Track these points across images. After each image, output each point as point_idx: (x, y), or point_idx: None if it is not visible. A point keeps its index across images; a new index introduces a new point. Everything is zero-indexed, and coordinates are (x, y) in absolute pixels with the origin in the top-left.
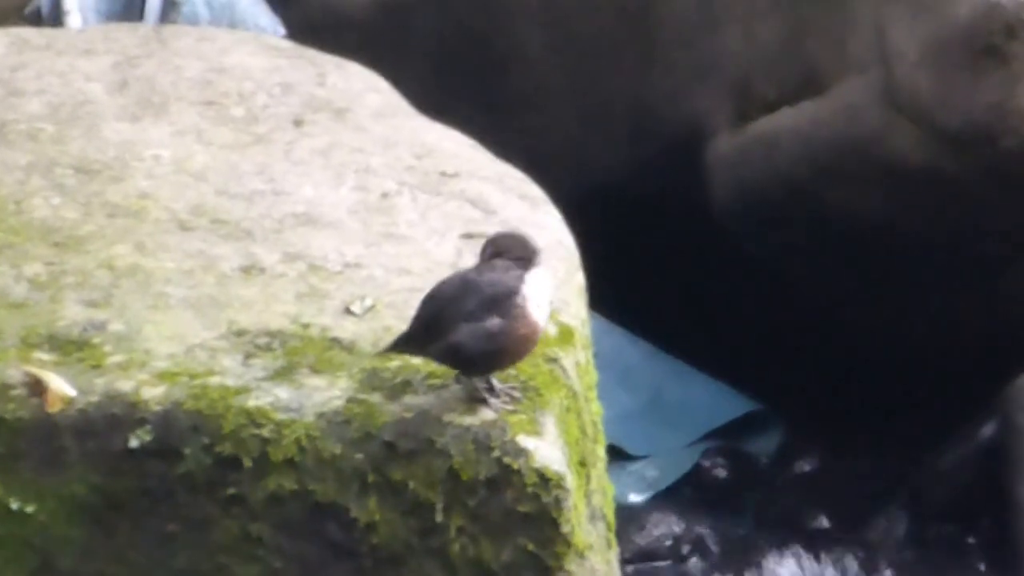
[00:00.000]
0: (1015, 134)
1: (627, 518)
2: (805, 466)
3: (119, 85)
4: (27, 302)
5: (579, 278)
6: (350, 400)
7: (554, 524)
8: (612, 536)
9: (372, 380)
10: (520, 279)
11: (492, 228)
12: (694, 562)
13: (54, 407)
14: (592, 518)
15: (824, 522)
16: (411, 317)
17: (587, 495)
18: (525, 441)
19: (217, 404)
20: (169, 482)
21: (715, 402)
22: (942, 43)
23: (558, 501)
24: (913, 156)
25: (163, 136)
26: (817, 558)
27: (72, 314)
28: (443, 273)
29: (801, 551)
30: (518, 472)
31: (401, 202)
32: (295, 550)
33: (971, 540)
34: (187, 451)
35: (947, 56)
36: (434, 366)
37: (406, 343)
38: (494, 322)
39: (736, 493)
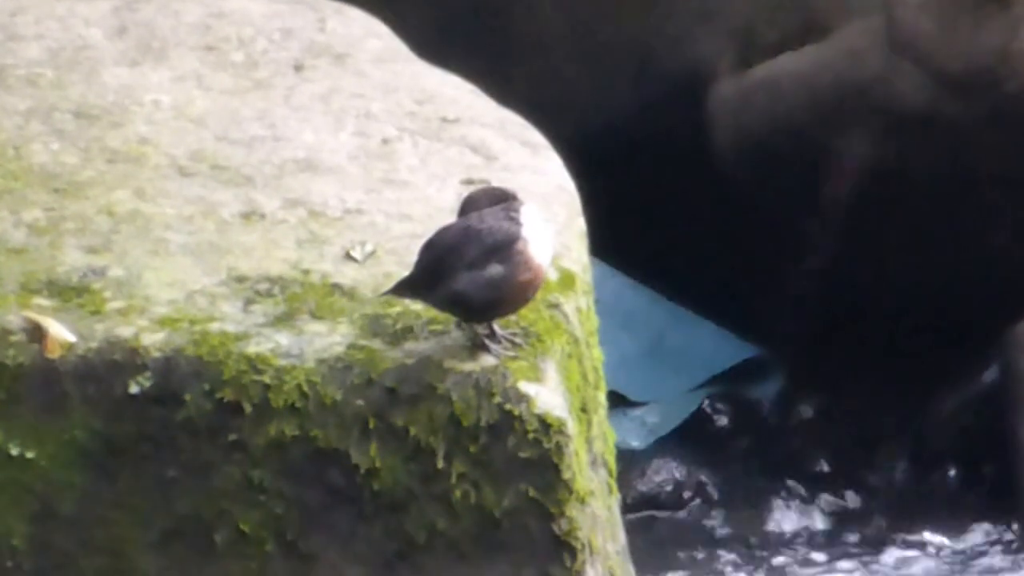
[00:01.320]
0: (1017, 77)
1: (628, 464)
2: (806, 411)
3: (118, 30)
4: (26, 248)
5: (580, 223)
6: (351, 346)
7: (555, 470)
8: (613, 482)
9: (373, 326)
10: (519, 224)
11: (493, 174)
12: (695, 508)
13: (53, 353)
14: (593, 464)
15: (825, 467)
16: (412, 263)
17: (588, 441)
18: (526, 387)
19: (218, 350)
20: (170, 428)
21: (716, 348)
22: None
23: (559, 447)
24: (915, 100)
25: (163, 81)
26: (818, 503)
27: (72, 260)
28: (444, 219)
29: (802, 496)
30: (519, 418)
31: (402, 148)
32: (296, 496)
33: (972, 484)
34: (188, 397)
35: (949, 0)
36: (435, 312)
37: (407, 288)
38: (495, 269)
39: (737, 439)
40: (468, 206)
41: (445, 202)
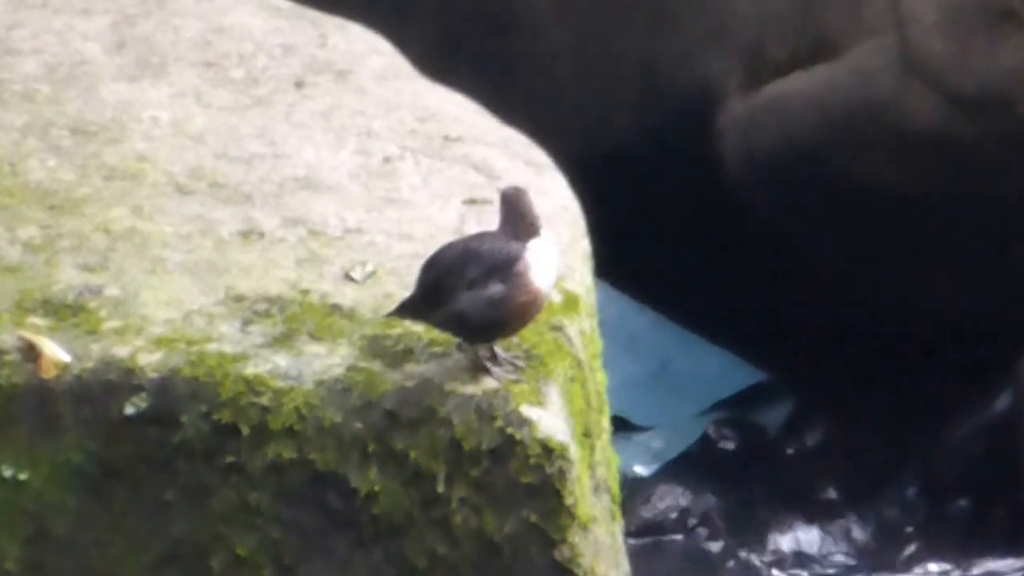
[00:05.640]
0: None
1: (632, 490)
2: (814, 438)
3: (117, 45)
4: (21, 265)
5: (584, 244)
6: (350, 368)
7: (557, 496)
8: (616, 508)
9: (373, 347)
10: (522, 246)
11: (496, 194)
12: (701, 534)
13: (48, 373)
14: (596, 490)
15: (833, 494)
16: (413, 283)
17: (591, 466)
18: (528, 411)
19: (215, 371)
20: (166, 450)
21: (723, 372)
22: (958, 6)
23: (562, 472)
24: (928, 121)
25: (161, 97)
26: (826, 530)
27: (67, 278)
28: (445, 239)
29: (809, 523)
30: (521, 442)
31: (403, 166)
32: (294, 519)
33: (984, 513)
34: (185, 419)
35: (963, 19)
36: (436, 333)
37: (409, 309)
38: (496, 289)
39: (744, 465)
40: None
41: (447, 221)
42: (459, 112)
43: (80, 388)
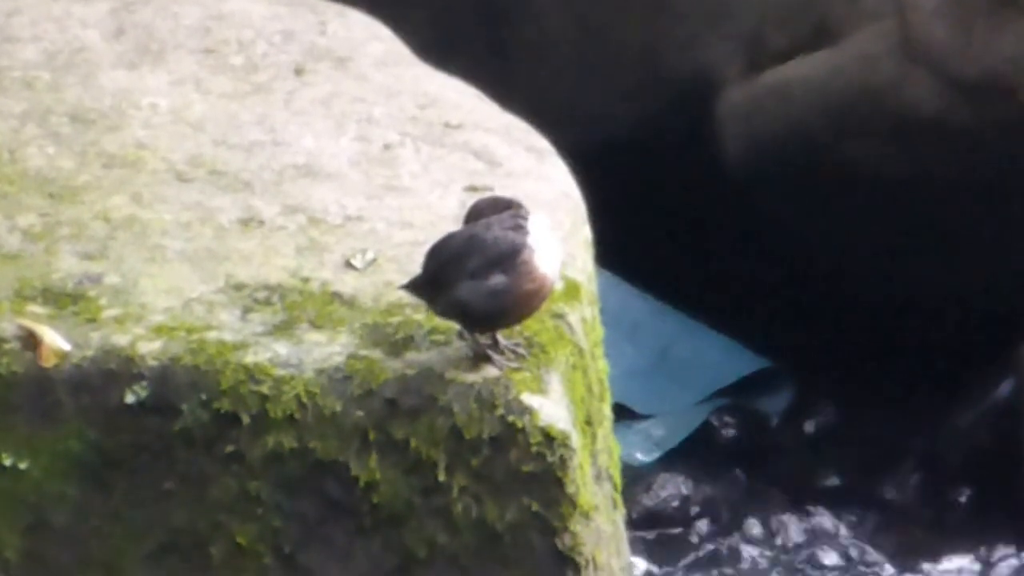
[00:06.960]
0: None
1: (633, 478)
2: (816, 425)
3: (116, 32)
4: (21, 254)
5: (585, 232)
6: (351, 356)
7: (559, 484)
8: (618, 496)
9: (373, 335)
10: (525, 233)
11: (496, 180)
12: (702, 523)
13: (48, 361)
14: (598, 478)
15: (835, 482)
16: (413, 272)
17: (593, 454)
18: (530, 399)
19: (215, 359)
20: (166, 439)
21: (724, 359)
22: None
23: (563, 460)
24: (929, 107)
25: (161, 84)
26: (828, 518)
27: (67, 266)
28: (446, 227)
29: (812, 511)
30: (522, 431)
31: (404, 153)
32: (294, 508)
33: (986, 500)
34: (185, 407)
35: (964, 5)
36: (437, 321)
37: (415, 290)
38: (498, 279)
39: (746, 452)
40: (473, 216)
41: (447, 209)
42: (459, 99)
43: (80, 377)
